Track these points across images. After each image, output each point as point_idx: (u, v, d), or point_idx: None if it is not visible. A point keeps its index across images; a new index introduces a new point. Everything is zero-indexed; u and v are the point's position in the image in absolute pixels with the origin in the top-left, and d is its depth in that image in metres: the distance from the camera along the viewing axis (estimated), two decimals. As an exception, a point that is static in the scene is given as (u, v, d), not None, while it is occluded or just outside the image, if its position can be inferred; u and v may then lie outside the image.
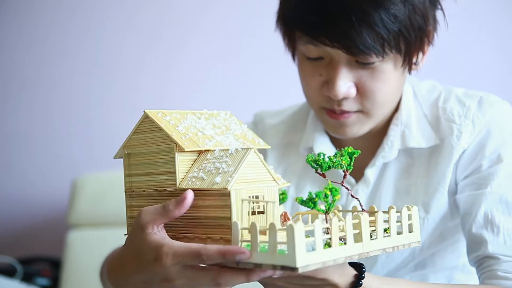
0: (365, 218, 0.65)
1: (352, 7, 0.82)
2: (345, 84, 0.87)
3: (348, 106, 0.90)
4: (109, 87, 2.09)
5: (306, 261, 0.58)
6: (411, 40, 0.86)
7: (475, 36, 1.85)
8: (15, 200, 2.10)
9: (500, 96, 0.99)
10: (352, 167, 0.70)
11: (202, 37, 2.03)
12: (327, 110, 0.92)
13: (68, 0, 2.10)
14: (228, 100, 2.01)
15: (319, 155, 0.69)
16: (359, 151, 0.70)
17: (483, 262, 0.88)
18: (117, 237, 1.80)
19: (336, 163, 0.68)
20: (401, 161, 0.98)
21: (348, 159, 0.69)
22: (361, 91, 0.89)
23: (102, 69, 2.09)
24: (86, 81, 2.10)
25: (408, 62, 0.90)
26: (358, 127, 0.93)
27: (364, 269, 0.70)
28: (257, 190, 0.67)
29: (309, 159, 0.69)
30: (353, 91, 0.88)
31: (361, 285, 0.69)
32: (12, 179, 2.11)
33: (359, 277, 0.69)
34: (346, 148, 0.70)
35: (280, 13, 0.93)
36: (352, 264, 0.72)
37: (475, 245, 0.89)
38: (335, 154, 0.69)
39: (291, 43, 0.94)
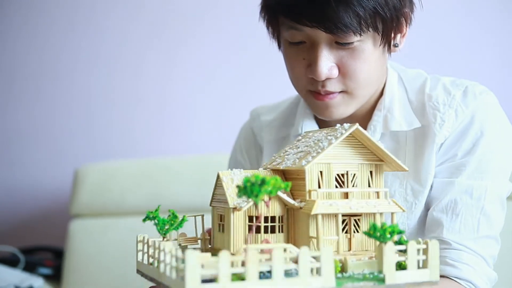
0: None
1: None
2: (326, 65, 0.90)
3: (332, 86, 0.93)
4: (110, 79, 2.09)
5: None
6: (387, 19, 0.89)
7: (475, 33, 1.85)
8: (17, 191, 2.10)
9: (501, 95, 1.01)
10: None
11: (205, 31, 2.03)
12: (313, 93, 0.96)
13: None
14: (230, 97, 2.01)
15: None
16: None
17: None
18: (119, 227, 1.83)
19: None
20: (388, 146, 1.00)
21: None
22: (343, 71, 0.92)
23: (104, 62, 2.09)
24: (87, 73, 2.10)
25: (387, 42, 0.93)
26: (344, 108, 0.96)
27: None
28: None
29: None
30: (335, 72, 0.91)
31: None
32: (14, 169, 2.11)
33: None
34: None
35: (263, 3, 0.97)
36: None
37: (431, 226, 0.93)
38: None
39: (275, 30, 0.98)
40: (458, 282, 0.88)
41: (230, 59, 2.01)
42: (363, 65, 0.91)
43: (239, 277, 0.58)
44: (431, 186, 0.96)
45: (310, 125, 1.05)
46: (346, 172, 0.70)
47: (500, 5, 1.83)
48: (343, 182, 0.71)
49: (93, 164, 1.90)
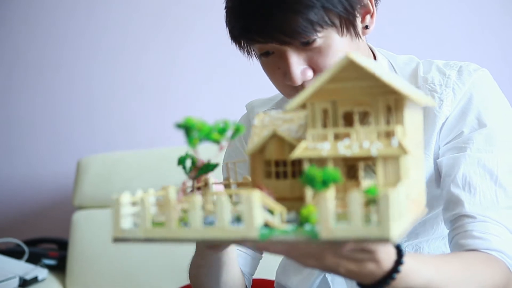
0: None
1: (269, 1, 0.85)
2: (298, 69, 0.90)
3: None
4: (112, 70, 2.08)
5: (397, 231, 0.52)
6: (340, 12, 0.87)
7: (476, 31, 1.85)
8: (21, 183, 2.11)
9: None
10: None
11: (208, 22, 2.00)
12: None
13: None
14: (232, 88, 1.99)
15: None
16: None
17: (458, 221, 0.90)
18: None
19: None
20: None
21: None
22: (317, 70, 0.91)
23: (105, 52, 2.10)
24: (89, 65, 2.10)
25: (353, 29, 0.91)
26: None
27: (402, 250, 0.66)
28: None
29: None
30: (309, 73, 0.91)
31: (402, 263, 0.65)
32: (17, 161, 2.11)
33: (400, 255, 0.65)
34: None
35: (226, 27, 0.98)
36: None
37: (451, 204, 0.91)
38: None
39: (245, 49, 0.99)
40: (490, 253, 0.85)
41: (232, 50, 1.97)
42: (334, 58, 0.90)
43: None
44: (440, 166, 0.94)
45: None
46: (353, 109, 0.60)
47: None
48: (353, 121, 0.60)
49: (95, 155, 1.90)
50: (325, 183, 0.52)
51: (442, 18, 1.87)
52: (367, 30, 0.96)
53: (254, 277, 1.12)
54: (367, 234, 0.51)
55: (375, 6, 0.95)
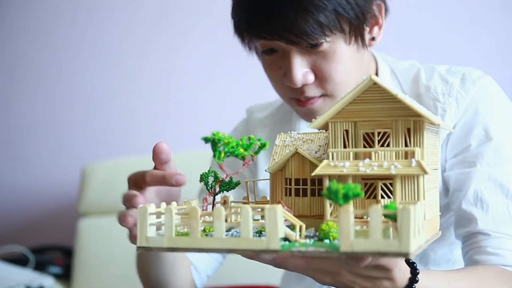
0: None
1: None
2: (300, 71, 0.89)
3: (311, 92, 0.91)
4: (114, 78, 2.08)
5: (415, 246, 0.53)
6: (351, 18, 0.87)
7: (475, 31, 1.83)
8: (25, 190, 2.11)
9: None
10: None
11: (207, 28, 2.01)
12: (295, 100, 0.94)
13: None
14: (233, 94, 1.99)
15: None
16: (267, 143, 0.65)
17: (471, 237, 0.90)
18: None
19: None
20: None
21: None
22: (319, 75, 0.90)
23: (107, 58, 2.09)
24: (91, 72, 2.10)
25: (361, 38, 0.90)
26: None
27: (417, 268, 0.67)
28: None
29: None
30: (311, 77, 0.90)
31: (417, 281, 0.66)
32: (20, 169, 2.12)
33: (414, 274, 0.66)
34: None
35: (232, 20, 0.96)
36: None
37: (464, 221, 0.90)
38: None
39: (249, 44, 0.97)
40: (506, 269, 0.85)
41: (233, 56, 1.97)
42: (338, 66, 0.89)
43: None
44: (448, 180, 0.93)
45: (306, 126, 1.02)
46: (374, 130, 0.62)
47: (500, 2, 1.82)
48: (373, 142, 0.62)
49: (99, 162, 1.90)
50: (346, 197, 0.53)
51: (441, 17, 1.84)
52: (374, 42, 0.95)
53: (260, 284, 1.12)
54: (387, 248, 0.52)
55: (384, 18, 0.95)
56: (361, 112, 0.63)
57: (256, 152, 0.63)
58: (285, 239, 0.57)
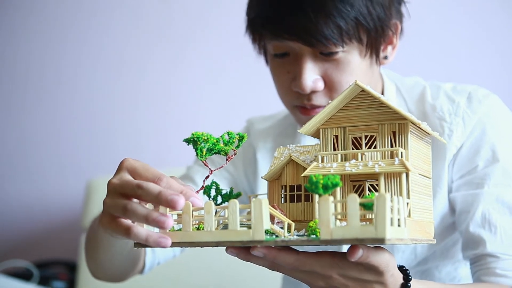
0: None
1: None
2: (310, 77, 0.88)
3: (318, 100, 0.90)
4: (115, 91, 2.08)
5: (394, 235, 0.55)
6: (371, 30, 0.87)
7: (476, 39, 1.83)
8: (30, 205, 2.09)
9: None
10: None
11: (209, 34, 2.02)
12: (299, 108, 0.93)
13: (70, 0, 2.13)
14: (236, 103, 2.00)
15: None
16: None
17: (480, 259, 0.89)
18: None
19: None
20: None
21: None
22: (329, 84, 0.89)
23: (107, 71, 2.09)
24: (91, 86, 2.10)
25: (375, 53, 0.90)
26: None
27: (409, 275, 0.68)
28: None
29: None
30: (320, 84, 0.89)
31: (409, 287, 0.67)
32: (25, 184, 2.11)
33: (406, 280, 0.67)
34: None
35: (246, 17, 0.95)
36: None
37: (472, 243, 0.90)
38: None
39: (260, 44, 0.95)
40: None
41: (235, 62, 1.98)
42: (350, 77, 0.88)
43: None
44: (455, 202, 0.93)
45: (309, 139, 1.03)
46: (362, 134, 0.65)
47: (501, 9, 1.82)
48: (360, 145, 0.65)
49: (104, 176, 1.88)
50: (326, 188, 0.56)
51: (445, 29, 1.83)
52: (386, 61, 0.95)
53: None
54: (364, 235, 0.54)
55: (398, 39, 0.95)
56: (350, 118, 0.67)
57: (237, 146, 0.66)
58: (276, 236, 0.61)
